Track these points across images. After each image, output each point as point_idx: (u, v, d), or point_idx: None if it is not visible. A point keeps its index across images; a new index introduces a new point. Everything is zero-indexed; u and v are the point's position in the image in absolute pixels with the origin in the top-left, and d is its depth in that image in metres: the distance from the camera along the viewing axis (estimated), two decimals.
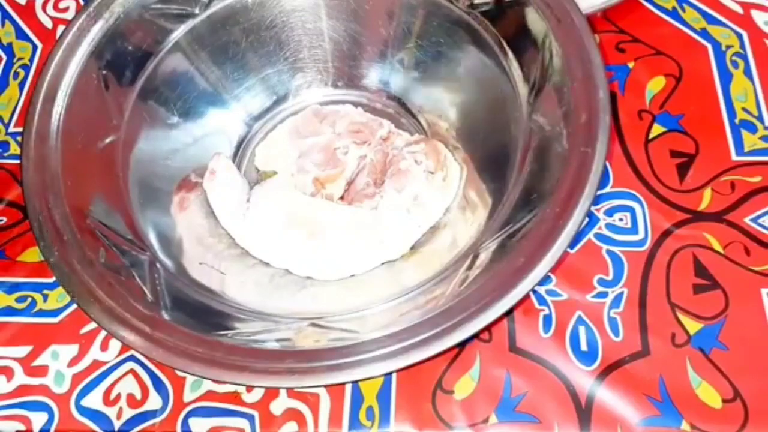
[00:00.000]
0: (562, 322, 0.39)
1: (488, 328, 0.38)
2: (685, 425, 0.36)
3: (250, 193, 0.43)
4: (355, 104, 0.47)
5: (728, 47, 0.48)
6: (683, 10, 0.50)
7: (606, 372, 0.38)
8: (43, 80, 0.39)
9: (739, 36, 0.49)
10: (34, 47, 0.53)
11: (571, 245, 0.39)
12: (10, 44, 0.53)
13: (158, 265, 0.37)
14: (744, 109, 0.46)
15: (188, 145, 0.44)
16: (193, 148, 0.44)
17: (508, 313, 0.36)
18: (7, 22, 0.55)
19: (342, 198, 0.43)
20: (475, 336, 0.34)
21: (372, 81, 0.47)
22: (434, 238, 0.41)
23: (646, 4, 0.50)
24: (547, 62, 0.37)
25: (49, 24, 0.54)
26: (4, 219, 0.45)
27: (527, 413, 0.37)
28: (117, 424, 0.38)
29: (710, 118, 0.45)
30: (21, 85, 0.51)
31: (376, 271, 0.40)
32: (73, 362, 0.40)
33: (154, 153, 0.42)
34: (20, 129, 0.47)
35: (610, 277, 0.41)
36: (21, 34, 0.54)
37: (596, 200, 0.42)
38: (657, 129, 0.45)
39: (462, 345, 0.39)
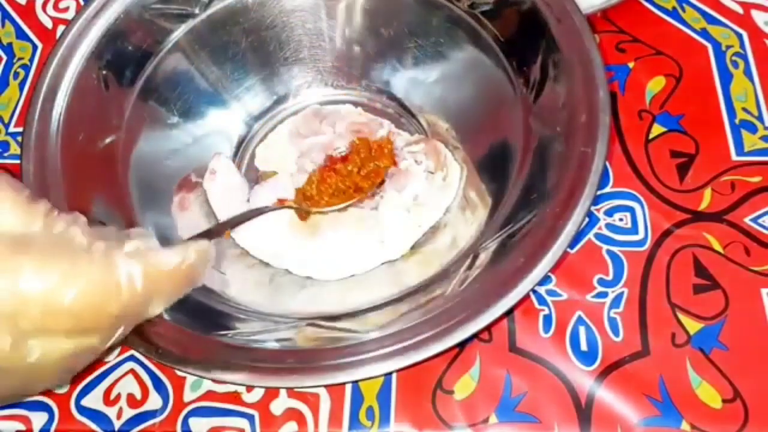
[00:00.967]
0: (562, 322, 0.39)
1: (488, 328, 0.38)
2: (685, 425, 0.36)
3: (250, 193, 0.43)
4: (355, 104, 0.47)
5: (728, 47, 0.48)
6: (683, 10, 0.50)
7: (606, 372, 0.38)
8: (43, 80, 0.39)
9: (739, 36, 0.49)
10: (34, 47, 0.53)
11: (571, 245, 0.39)
12: (10, 44, 0.53)
13: None
14: (744, 109, 0.46)
15: (188, 145, 0.44)
16: (193, 148, 0.44)
17: (508, 313, 0.36)
18: (7, 22, 0.55)
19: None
20: (475, 336, 0.34)
21: (372, 81, 0.47)
22: (434, 238, 0.41)
23: (646, 4, 0.50)
24: (547, 62, 0.37)
25: (49, 24, 0.54)
26: None
27: (527, 413, 0.37)
28: (117, 424, 0.38)
29: (710, 118, 0.45)
30: (21, 85, 0.51)
31: (376, 271, 0.40)
32: None
33: (154, 153, 0.42)
34: (20, 129, 0.47)
35: (610, 277, 0.41)
36: (21, 34, 0.54)
37: (596, 200, 0.42)
38: (657, 129, 0.45)
39: (462, 345, 0.39)
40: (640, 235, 0.42)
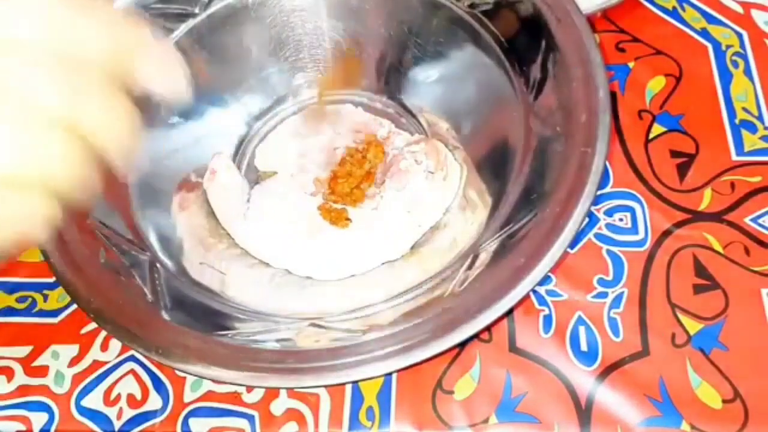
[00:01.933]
0: (562, 322, 0.39)
1: (488, 328, 0.38)
2: (685, 425, 0.36)
3: (251, 193, 0.43)
4: (356, 104, 0.47)
5: (728, 47, 0.48)
6: (683, 9, 0.50)
7: (606, 372, 0.38)
8: None
9: (740, 36, 0.49)
10: None
11: (571, 245, 0.39)
12: None
13: (158, 265, 0.37)
14: (744, 109, 0.46)
15: (188, 145, 0.44)
16: (194, 148, 0.44)
17: (508, 313, 0.36)
18: None
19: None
20: (475, 336, 0.34)
21: (372, 81, 0.47)
22: (434, 238, 0.41)
23: (647, 3, 0.50)
24: (548, 62, 0.37)
25: None
26: None
27: (527, 413, 0.37)
28: (117, 425, 0.38)
29: (710, 118, 0.45)
30: None
31: (377, 271, 0.40)
32: (73, 362, 0.40)
33: (154, 153, 0.42)
34: None
35: (610, 277, 0.41)
36: None
37: (596, 200, 0.42)
38: (657, 129, 0.45)
39: (462, 345, 0.39)
40: (640, 235, 0.42)
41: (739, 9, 0.50)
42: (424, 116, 0.46)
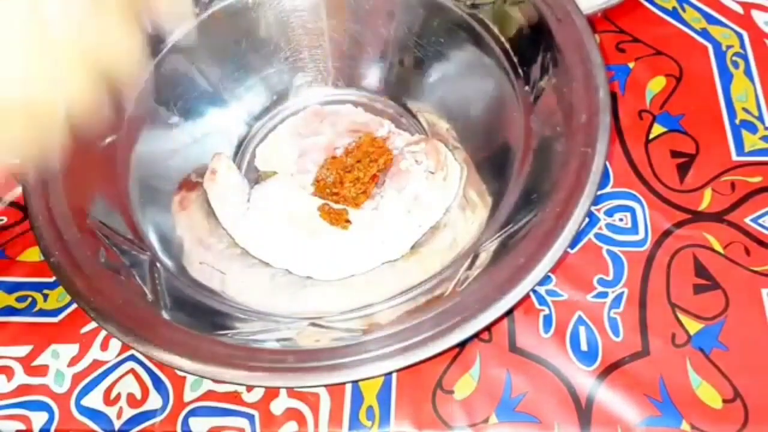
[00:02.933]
0: (562, 322, 0.39)
1: (488, 328, 0.38)
2: (685, 425, 0.36)
3: (251, 193, 0.43)
4: (356, 104, 0.47)
5: (729, 47, 0.48)
6: (683, 10, 0.50)
7: (606, 372, 0.38)
8: None
9: (740, 36, 0.49)
10: None
11: (572, 245, 0.39)
12: None
13: (158, 264, 0.37)
14: (744, 109, 0.46)
15: (188, 145, 0.44)
16: (194, 148, 0.44)
17: (509, 313, 0.36)
18: None
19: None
20: (476, 336, 0.34)
21: (372, 81, 0.47)
22: (434, 238, 0.41)
23: (647, 4, 0.50)
24: (548, 62, 0.37)
25: None
26: (5, 218, 0.45)
27: (527, 413, 0.37)
28: (117, 424, 0.38)
29: (710, 119, 0.45)
30: None
31: (377, 271, 0.40)
32: (73, 362, 0.40)
33: (154, 153, 0.42)
34: None
35: (610, 277, 0.41)
36: None
37: (596, 200, 0.42)
38: (657, 129, 0.45)
39: (462, 345, 0.39)
40: (641, 235, 0.42)
41: (739, 9, 0.50)
42: (424, 116, 0.46)
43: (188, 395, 0.39)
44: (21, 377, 0.40)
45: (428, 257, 0.40)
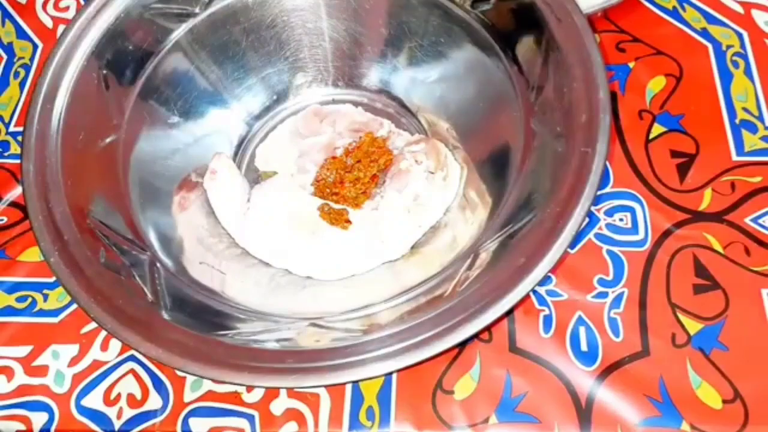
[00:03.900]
0: (562, 322, 0.39)
1: (488, 328, 0.38)
2: (685, 426, 0.36)
3: (251, 193, 0.43)
4: (356, 104, 0.47)
5: (729, 47, 0.48)
6: (684, 9, 0.50)
7: (606, 372, 0.38)
8: (43, 80, 0.39)
9: (740, 36, 0.49)
10: (35, 47, 0.53)
11: (572, 245, 0.39)
12: (10, 44, 0.53)
13: (158, 264, 0.37)
14: (744, 109, 0.46)
15: (188, 144, 0.44)
16: (194, 147, 0.44)
17: (509, 313, 0.36)
18: (7, 21, 0.55)
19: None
20: (476, 336, 0.34)
21: (372, 80, 0.47)
22: (434, 238, 0.41)
23: (647, 3, 0.50)
24: (548, 62, 0.37)
25: (49, 23, 0.54)
26: (5, 219, 0.45)
27: (527, 413, 0.37)
28: (117, 424, 0.38)
29: (711, 118, 0.45)
30: (21, 85, 0.51)
31: (377, 271, 0.40)
32: (73, 362, 0.40)
33: (154, 153, 0.42)
34: (21, 128, 0.47)
35: (610, 278, 0.41)
36: (21, 34, 0.54)
37: (596, 200, 0.42)
38: (657, 129, 0.45)
39: (462, 345, 0.39)
40: (641, 235, 0.42)
41: (739, 9, 0.50)
42: (424, 116, 0.46)
43: (188, 395, 0.39)
44: (21, 377, 0.40)
45: (428, 257, 0.40)
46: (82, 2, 0.55)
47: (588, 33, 0.36)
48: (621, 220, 0.42)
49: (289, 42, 0.46)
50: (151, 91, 0.42)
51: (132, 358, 0.40)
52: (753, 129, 0.45)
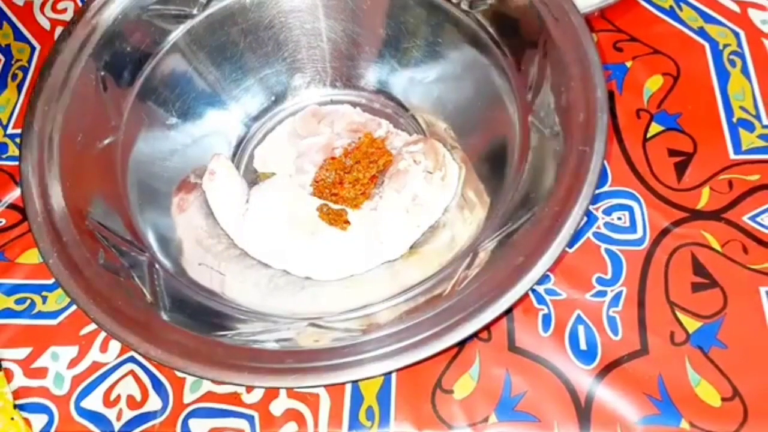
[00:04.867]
0: (561, 321, 0.39)
1: (487, 327, 0.38)
2: (684, 424, 0.36)
3: (249, 194, 0.43)
4: (354, 104, 0.47)
5: (725, 46, 0.48)
6: (680, 9, 0.50)
7: (605, 371, 0.38)
8: (41, 82, 0.39)
9: (737, 35, 0.49)
10: (33, 49, 0.53)
11: (570, 244, 0.39)
12: (8, 46, 0.53)
13: (157, 266, 0.37)
14: (742, 108, 0.46)
15: (187, 146, 0.44)
16: (192, 148, 0.44)
17: (508, 312, 0.36)
18: (5, 23, 0.55)
19: None
20: (475, 335, 0.34)
21: (370, 81, 0.47)
22: (433, 237, 0.41)
23: (644, 3, 0.51)
24: (545, 61, 0.37)
25: (47, 25, 0.54)
26: (4, 221, 0.45)
27: (527, 412, 0.37)
28: (117, 426, 0.38)
29: (708, 117, 0.45)
30: (19, 87, 0.51)
31: (376, 271, 0.40)
32: (72, 364, 0.40)
33: (153, 154, 0.42)
34: (19, 131, 0.47)
35: (608, 276, 0.41)
36: (19, 36, 0.54)
37: (594, 199, 0.42)
38: (655, 128, 0.45)
39: (461, 344, 0.39)
40: (639, 234, 0.42)
41: (735, 8, 0.50)
42: (422, 116, 0.46)
43: (188, 396, 0.39)
44: (20, 379, 0.40)
45: (427, 257, 0.40)
46: (80, 4, 0.55)
47: (585, 32, 0.36)
48: (619, 218, 0.42)
49: (287, 43, 0.46)
50: (150, 92, 0.42)
51: (131, 359, 0.40)
52: (750, 127, 0.45)
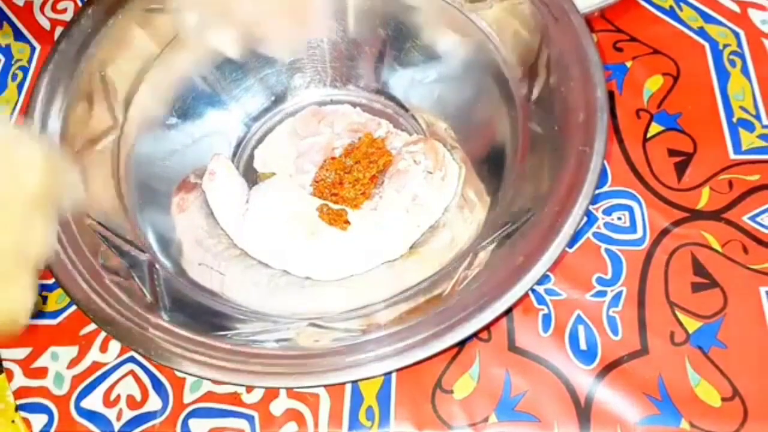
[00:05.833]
0: (561, 321, 0.39)
1: (487, 327, 0.38)
2: (684, 424, 0.36)
3: (249, 194, 0.43)
4: (354, 104, 0.47)
5: (725, 46, 0.48)
6: (680, 9, 0.50)
7: (605, 371, 0.38)
8: (41, 82, 0.39)
9: (737, 35, 0.49)
10: (33, 49, 0.53)
11: (570, 244, 0.39)
12: (8, 46, 0.53)
13: (157, 266, 0.37)
14: (742, 108, 0.46)
15: (187, 146, 0.44)
16: (192, 149, 0.44)
17: (507, 312, 0.36)
18: (5, 23, 0.54)
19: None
20: (475, 335, 0.34)
21: (370, 81, 0.47)
22: (433, 237, 0.41)
23: (644, 3, 0.50)
24: (545, 61, 0.37)
25: (47, 25, 0.54)
26: None
27: (527, 412, 0.37)
28: (117, 426, 0.38)
29: (708, 117, 0.45)
30: (20, 87, 0.51)
31: (376, 271, 0.40)
32: (72, 364, 0.40)
33: (153, 154, 0.42)
34: None
35: (608, 276, 0.41)
36: (19, 36, 0.54)
37: (594, 199, 0.42)
38: (655, 128, 0.45)
39: (461, 344, 0.39)
40: (639, 234, 0.42)
41: (735, 8, 0.50)
42: (422, 116, 0.46)
43: (188, 396, 0.39)
44: (20, 380, 0.40)
45: (427, 257, 0.40)
46: (80, 4, 0.55)
47: (585, 32, 0.36)
48: (619, 218, 0.42)
49: None
50: (150, 92, 0.42)
51: (131, 359, 0.40)
52: (750, 127, 0.45)
